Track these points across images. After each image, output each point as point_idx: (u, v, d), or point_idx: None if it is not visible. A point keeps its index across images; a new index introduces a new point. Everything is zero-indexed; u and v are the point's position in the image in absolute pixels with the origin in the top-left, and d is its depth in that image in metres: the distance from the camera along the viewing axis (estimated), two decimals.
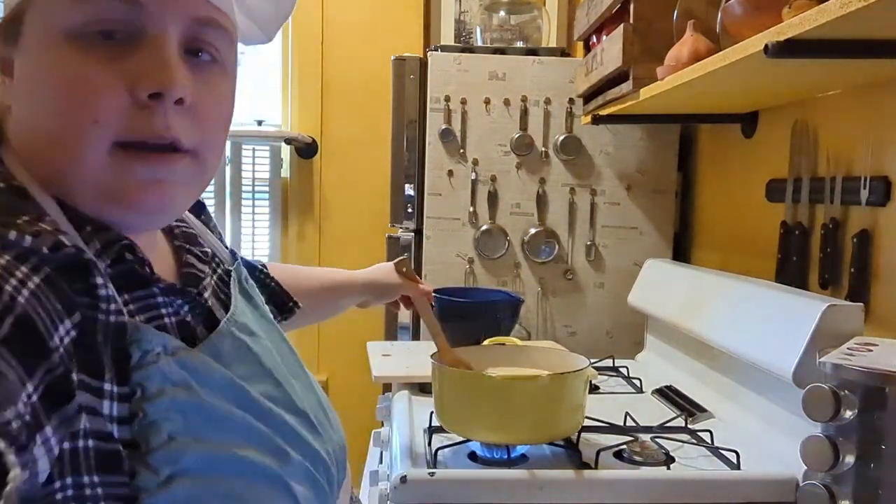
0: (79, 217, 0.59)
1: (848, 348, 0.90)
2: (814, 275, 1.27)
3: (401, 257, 1.23)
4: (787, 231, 1.35)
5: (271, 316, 0.79)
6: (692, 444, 1.11)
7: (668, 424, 1.20)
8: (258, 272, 0.99)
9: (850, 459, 0.83)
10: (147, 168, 0.59)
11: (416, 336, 1.79)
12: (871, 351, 0.89)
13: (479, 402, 1.01)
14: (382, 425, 1.45)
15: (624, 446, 1.10)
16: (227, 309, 0.70)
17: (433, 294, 1.24)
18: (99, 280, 0.55)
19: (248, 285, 0.77)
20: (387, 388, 1.59)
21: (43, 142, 0.58)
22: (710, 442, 1.13)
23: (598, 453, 1.03)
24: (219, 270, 0.75)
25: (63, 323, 0.51)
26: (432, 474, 0.97)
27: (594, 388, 1.44)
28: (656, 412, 1.30)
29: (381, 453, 1.19)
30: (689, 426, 1.22)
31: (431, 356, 1.09)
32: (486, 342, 1.26)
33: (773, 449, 1.07)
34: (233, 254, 0.81)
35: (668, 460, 1.06)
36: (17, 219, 0.52)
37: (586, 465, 1.02)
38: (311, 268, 1.23)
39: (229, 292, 0.73)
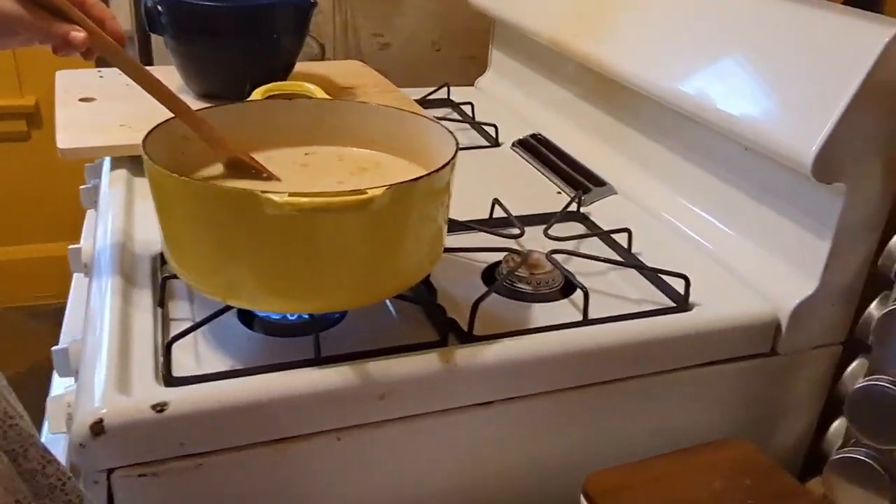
0: None
1: None
2: None
3: None
4: None
5: None
6: (613, 261, 0.69)
7: (558, 213, 0.76)
8: None
9: None
10: None
11: (146, 58, 1.14)
12: None
13: (254, 251, 0.49)
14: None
15: (503, 267, 0.66)
16: None
17: None
18: None
19: None
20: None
21: None
22: (626, 249, 0.72)
23: (475, 306, 0.57)
24: None
25: None
26: (161, 407, 0.47)
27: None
28: (529, 187, 0.86)
29: (85, 322, 0.63)
30: (584, 210, 0.80)
31: (146, 140, 0.53)
32: (257, 92, 0.69)
33: (733, 264, 0.68)
34: None
35: (568, 291, 0.65)
36: None
37: (452, 327, 0.58)
38: None
39: None
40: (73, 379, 0.62)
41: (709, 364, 0.62)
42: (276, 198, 0.46)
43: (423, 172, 0.52)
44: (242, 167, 0.61)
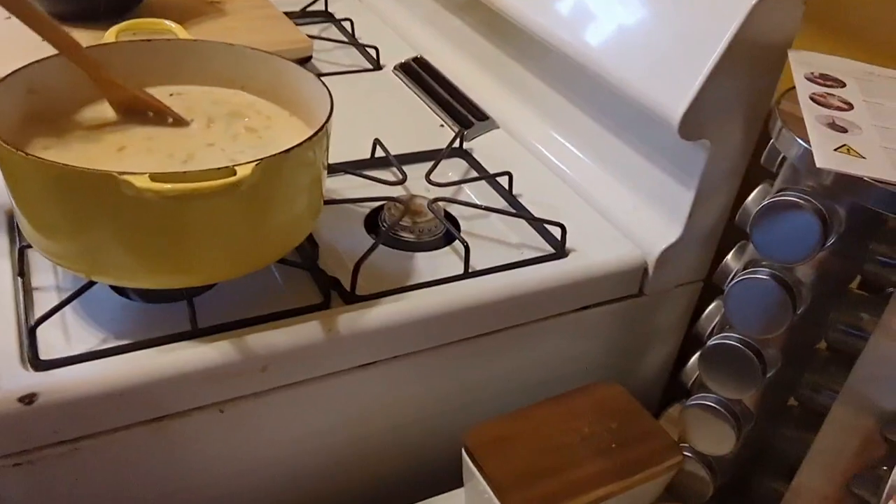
0: None
1: (814, 99, 0.50)
2: None
3: None
4: None
5: None
6: (496, 210, 0.69)
7: (440, 152, 0.76)
8: None
9: (800, 308, 0.49)
10: None
11: None
12: (850, 107, 0.50)
13: (119, 231, 0.47)
14: None
15: (388, 224, 0.66)
16: None
17: None
18: None
19: None
20: None
21: None
22: (508, 190, 0.73)
23: (357, 266, 0.57)
24: None
25: None
26: (29, 399, 0.46)
27: (305, 61, 0.91)
28: (410, 117, 0.85)
29: None
30: (467, 146, 0.80)
31: None
32: (112, 31, 0.63)
33: (604, 207, 0.71)
34: None
35: (450, 238, 0.66)
36: None
37: (333, 286, 0.58)
38: None
39: None
40: None
41: (583, 309, 0.65)
42: (136, 182, 0.43)
43: (297, 121, 0.50)
44: (138, 111, 0.57)
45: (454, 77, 0.90)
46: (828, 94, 0.51)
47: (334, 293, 0.57)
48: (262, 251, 0.52)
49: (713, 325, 0.61)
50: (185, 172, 0.44)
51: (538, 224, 0.67)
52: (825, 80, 0.52)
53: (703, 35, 0.56)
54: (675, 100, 0.57)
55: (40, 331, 0.50)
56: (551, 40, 0.69)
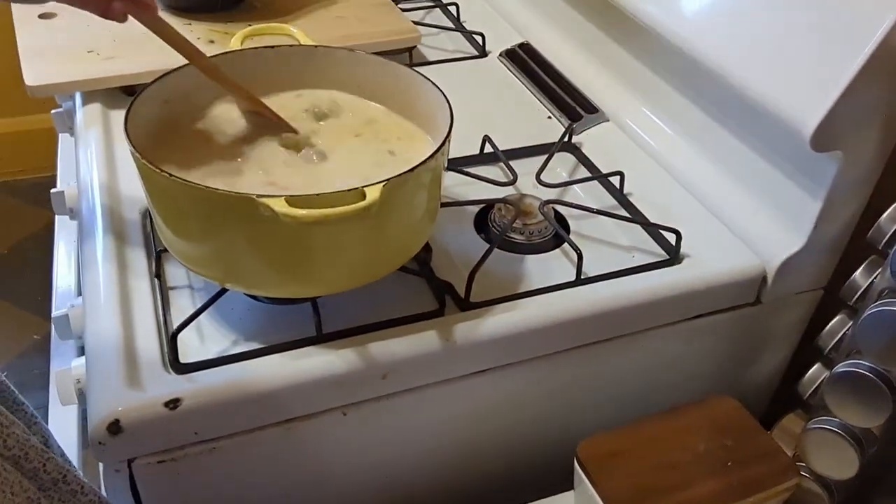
0: None
1: None
2: None
3: None
4: None
5: None
6: (608, 214, 0.68)
7: (551, 153, 0.75)
8: None
9: None
10: None
11: None
12: None
13: (253, 248, 0.49)
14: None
15: (500, 227, 0.66)
16: None
17: None
18: None
19: None
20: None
21: None
22: (619, 190, 0.72)
23: (471, 276, 0.58)
24: None
25: None
26: (174, 404, 0.49)
27: (411, 49, 0.91)
28: (517, 107, 0.84)
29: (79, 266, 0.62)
30: (576, 140, 0.79)
31: (128, 122, 0.51)
32: (236, 38, 0.65)
33: (725, 215, 0.69)
34: None
35: (559, 240, 0.66)
36: None
37: (448, 289, 0.59)
38: None
39: None
40: (73, 342, 0.63)
41: (697, 317, 0.65)
42: (274, 206, 0.45)
43: (419, 131, 0.51)
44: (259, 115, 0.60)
45: (562, 65, 0.89)
46: None
47: (448, 299, 0.59)
48: (384, 263, 0.54)
49: (835, 340, 0.59)
50: (317, 195, 0.46)
51: (653, 229, 0.66)
52: None
53: (843, 43, 0.53)
54: (809, 111, 0.54)
55: (181, 344, 0.53)
56: (670, 36, 0.67)
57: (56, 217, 0.85)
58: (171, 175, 0.47)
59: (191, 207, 0.49)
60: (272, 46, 0.63)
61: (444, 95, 0.57)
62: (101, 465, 0.51)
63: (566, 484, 0.58)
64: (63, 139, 0.87)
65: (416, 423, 0.58)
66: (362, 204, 0.45)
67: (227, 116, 0.61)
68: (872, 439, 0.53)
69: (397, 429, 0.58)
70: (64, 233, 0.83)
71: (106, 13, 0.51)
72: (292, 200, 0.45)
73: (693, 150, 0.73)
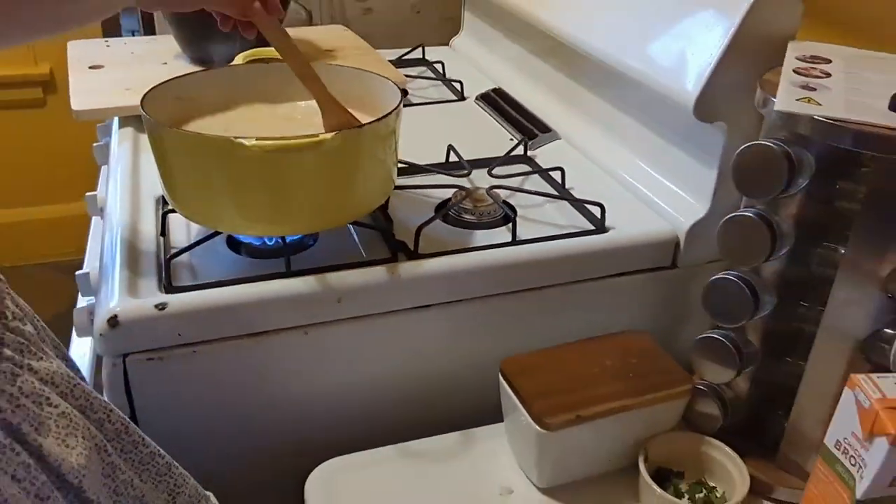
0: None
1: (797, 72, 0.58)
2: None
3: None
4: None
5: None
6: (541, 194, 0.81)
7: (505, 156, 0.88)
8: None
9: (787, 243, 0.57)
10: None
11: (149, 28, 1.26)
12: (828, 75, 0.58)
13: (233, 185, 0.62)
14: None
15: (451, 203, 0.78)
16: None
17: None
18: None
19: None
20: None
21: None
22: (561, 183, 0.83)
23: (418, 231, 0.70)
24: None
25: None
26: (162, 306, 0.61)
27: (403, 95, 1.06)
28: (485, 134, 0.98)
29: (101, 250, 0.77)
30: (531, 153, 0.91)
31: (144, 100, 0.65)
32: (239, 57, 0.81)
33: (643, 193, 0.80)
34: None
35: (509, 217, 0.77)
36: None
37: (401, 246, 0.70)
38: None
39: None
40: (93, 298, 0.75)
41: (620, 275, 0.74)
42: (246, 142, 0.58)
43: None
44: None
45: (526, 101, 1.03)
46: (811, 67, 0.59)
47: (401, 255, 0.70)
48: (342, 209, 0.66)
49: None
50: (283, 138, 0.59)
51: (580, 205, 0.78)
52: (813, 59, 0.61)
53: (709, 30, 0.67)
54: (690, 86, 0.67)
55: (173, 268, 0.65)
56: (590, 51, 0.81)
57: (91, 219, 1.00)
58: (169, 127, 0.61)
59: (185, 155, 0.62)
60: (261, 62, 0.78)
61: (396, 86, 0.71)
62: (104, 367, 0.62)
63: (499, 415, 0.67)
64: (102, 171, 1.03)
65: (367, 350, 0.68)
66: (316, 139, 0.58)
67: (226, 122, 0.75)
68: (750, 346, 0.61)
69: (350, 351, 0.68)
70: (96, 231, 0.97)
71: (246, 12, 0.65)
72: (261, 139, 0.58)
73: (615, 144, 0.86)
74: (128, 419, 0.52)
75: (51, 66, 1.97)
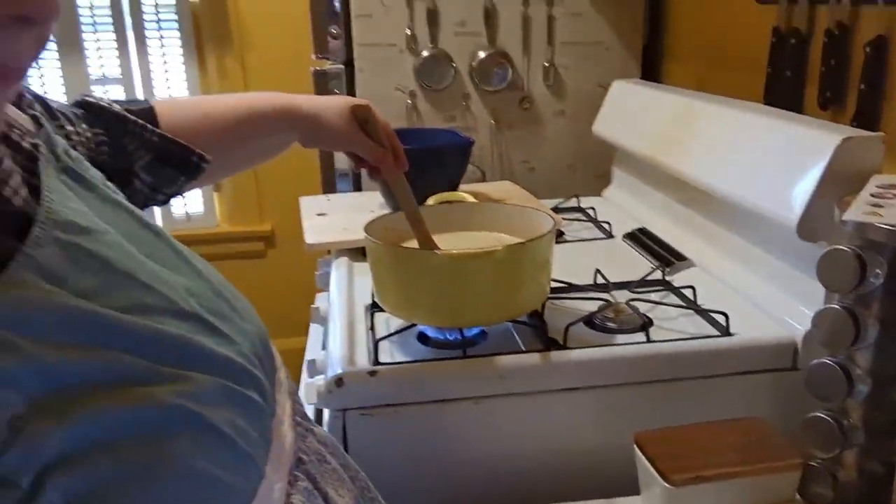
0: None
1: (871, 195, 0.73)
2: (811, 93, 1.07)
3: (364, 102, 0.91)
4: (780, 39, 1.14)
5: (118, 195, 0.55)
6: (673, 306, 0.96)
7: (644, 278, 1.05)
8: (128, 123, 0.72)
9: (872, 333, 0.69)
10: None
11: (357, 186, 1.58)
12: None
13: (425, 284, 0.84)
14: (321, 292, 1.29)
15: (596, 313, 0.95)
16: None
17: None
18: None
19: (73, 159, 0.53)
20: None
21: None
22: (693, 299, 0.98)
23: (566, 329, 0.87)
24: (23, 145, 0.50)
25: None
26: (373, 373, 0.82)
27: (559, 235, 1.27)
28: (629, 263, 1.15)
29: (324, 338, 1.02)
30: (668, 278, 1.07)
31: (367, 227, 0.90)
32: (431, 199, 1.06)
33: (766, 307, 0.93)
34: (35, 120, 0.54)
35: (646, 325, 0.92)
36: None
37: (553, 342, 0.87)
38: (226, 96, 0.87)
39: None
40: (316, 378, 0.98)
41: (744, 373, 0.87)
42: (440, 253, 0.80)
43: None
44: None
45: (666, 236, 1.20)
46: (885, 192, 0.73)
47: (552, 347, 0.87)
48: (508, 308, 0.85)
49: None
50: (467, 250, 0.81)
51: (707, 315, 0.92)
52: (890, 186, 0.75)
53: (806, 169, 0.82)
54: (794, 214, 0.82)
55: (380, 348, 0.87)
56: (715, 190, 0.98)
57: (311, 325, 1.25)
58: (384, 244, 0.85)
59: (393, 263, 0.85)
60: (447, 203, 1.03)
61: (549, 215, 0.91)
62: (326, 419, 0.83)
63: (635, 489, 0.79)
64: (321, 296, 1.30)
65: (525, 422, 0.85)
66: (490, 250, 0.79)
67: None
68: (855, 428, 0.71)
69: (511, 424, 0.84)
70: (314, 333, 1.22)
71: (380, 162, 0.90)
72: (446, 250, 0.80)
73: (738, 266, 1.00)
74: (368, 479, 0.60)
75: (272, 224, 2.39)
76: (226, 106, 0.84)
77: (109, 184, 0.55)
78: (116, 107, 0.73)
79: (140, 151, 0.73)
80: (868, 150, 0.80)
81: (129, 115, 0.73)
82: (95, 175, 0.54)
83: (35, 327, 0.40)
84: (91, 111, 0.71)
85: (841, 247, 0.67)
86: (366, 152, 0.91)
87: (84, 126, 0.69)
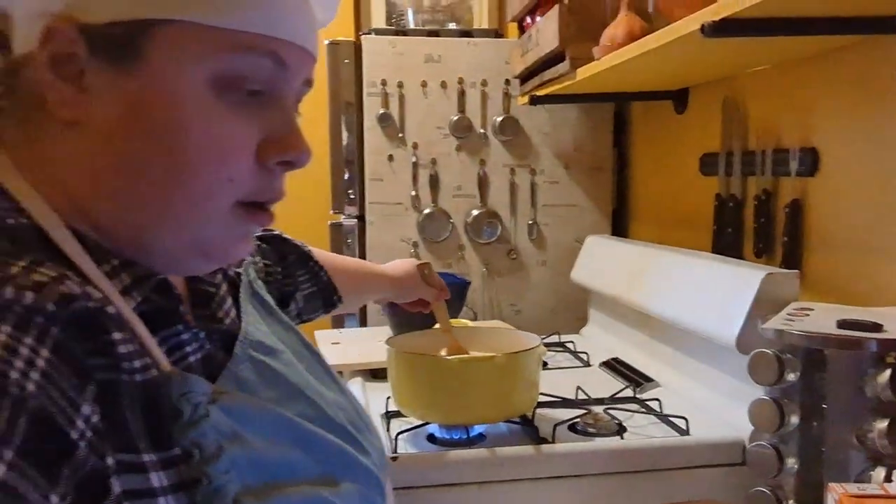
0: (100, 250, 0.51)
1: (787, 314, 0.94)
2: (748, 245, 1.32)
3: (424, 261, 1.14)
4: (721, 203, 1.40)
5: (288, 320, 0.71)
6: (642, 412, 1.15)
7: (617, 395, 1.23)
8: (310, 261, 0.94)
9: (794, 420, 0.88)
10: (256, 226, 0.56)
11: (363, 323, 1.79)
12: (808, 315, 0.93)
13: (437, 385, 1.02)
14: None
15: (578, 419, 1.13)
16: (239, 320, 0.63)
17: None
18: (117, 335, 0.47)
19: (257, 285, 0.69)
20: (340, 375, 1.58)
21: (147, 185, 0.51)
22: (659, 410, 1.17)
23: (554, 428, 1.05)
24: (230, 273, 0.66)
25: (83, 404, 0.43)
26: (395, 458, 0.98)
27: (543, 365, 1.46)
28: (605, 384, 1.34)
29: None
30: (638, 396, 1.26)
31: (387, 341, 1.09)
32: (436, 326, 1.26)
33: (720, 414, 1.12)
34: None
35: (621, 430, 1.10)
36: (10, 267, 0.44)
37: (543, 440, 1.05)
38: (337, 256, 1.08)
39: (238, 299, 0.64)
40: None
41: (701, 466, 1.04)
42: (449, 357, 0.99)
43: None
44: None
45: (635, 364, 1.40)
46: (798, 312, 0.95)
47: (542, 445, 1.05)
48: (504, 409, 1.03)
49: None
50: (472, 355, 1.00)
51: (670, 420, 1.10)
52: (802, 309, 0.97)
53: (740, 297, 1.05)
54: (732, 333, 1.03)
55: (399, 442, 1.03)
56: (671, 320, 1.20)
57: None
58: (406, 352, 1.04)
59: (409, 368, 1.04)
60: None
61: (537, 338, 1.12)
62: None
63: None
64: None
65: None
66: (490, 356, 0.99)
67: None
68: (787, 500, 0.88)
69: None
70: None
71: (438, 298, 1.11)
72: (454, 355, 1.00)
73: (697, 383, 1.19)
74: None
75: None
76: (344, 264, 1.05)
77: (277, 308, 0.71)
78: (299, 242, 0.95)
79: (307, 284, 0.93)
80: (787, 283, 1.03)
81: (311, 254, 0.95)
82: (271, 299, 0.71)
83: (254, 426, 0.52)
84: (271, 243, 0.90)
85: (764, 350, 0.88)
86: (429, 296, 1.12)
87: (259, 256, 0.85)
